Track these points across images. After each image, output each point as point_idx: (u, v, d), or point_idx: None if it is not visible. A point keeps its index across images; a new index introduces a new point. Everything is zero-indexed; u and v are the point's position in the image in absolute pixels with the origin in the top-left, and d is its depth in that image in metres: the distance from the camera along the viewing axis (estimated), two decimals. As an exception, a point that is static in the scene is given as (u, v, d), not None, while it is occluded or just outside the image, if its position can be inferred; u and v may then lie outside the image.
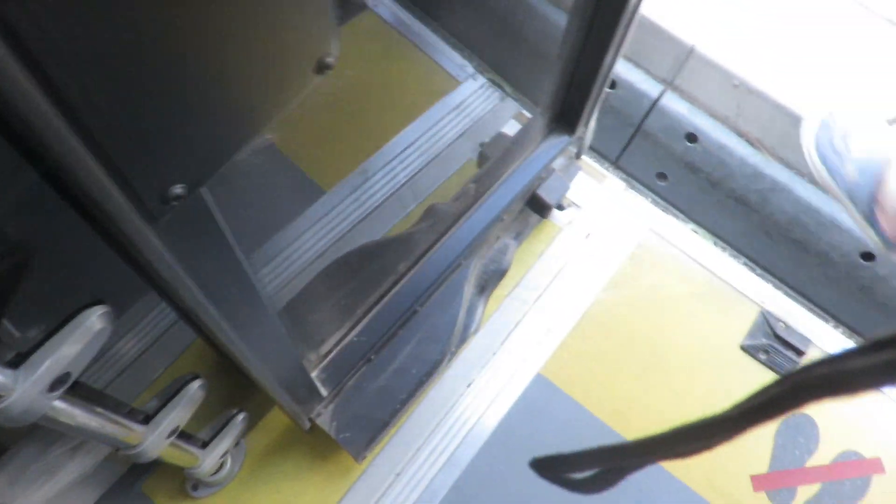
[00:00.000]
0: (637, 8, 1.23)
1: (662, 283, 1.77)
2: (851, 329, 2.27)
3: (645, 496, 1.57)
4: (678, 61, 2.15)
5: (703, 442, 0.52)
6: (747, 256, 2.39)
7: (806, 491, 1.63)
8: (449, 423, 1.58)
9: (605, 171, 1.88)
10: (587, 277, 1.76)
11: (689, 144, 2.25)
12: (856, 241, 2.12)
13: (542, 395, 1.63)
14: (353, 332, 1.46)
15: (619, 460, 0.64)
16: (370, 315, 1.46)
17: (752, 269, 2.40)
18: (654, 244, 1.81)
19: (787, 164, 2.15)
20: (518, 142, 1.60)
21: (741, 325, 1.76)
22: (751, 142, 2.15)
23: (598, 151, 2.49)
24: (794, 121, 2.06)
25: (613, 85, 2.29)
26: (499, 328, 1.68)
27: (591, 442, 1.58)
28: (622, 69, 2.26)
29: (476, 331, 1.68)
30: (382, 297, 1.47)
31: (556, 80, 1.48)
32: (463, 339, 1.65)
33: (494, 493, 1.52)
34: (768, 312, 1.76)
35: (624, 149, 2.40)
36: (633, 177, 2.48)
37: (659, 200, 2.45)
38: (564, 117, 1.61)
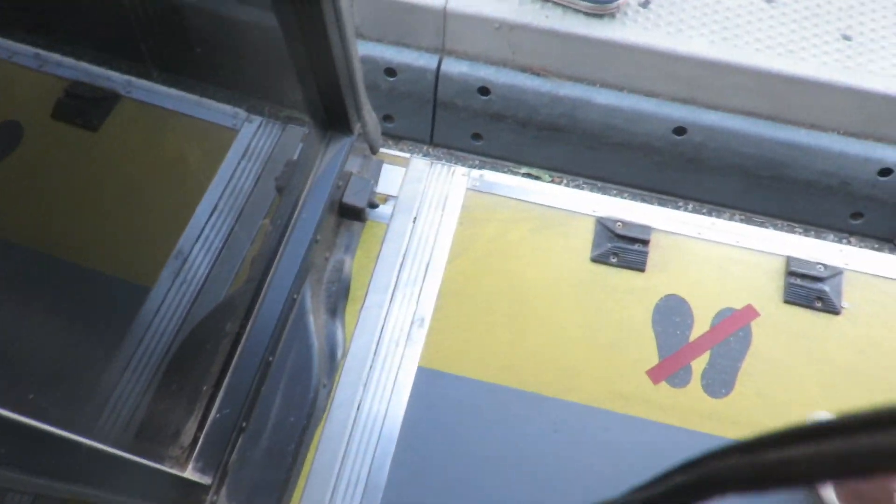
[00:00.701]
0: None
1: (499, 232, 1.79)
2: (693, 199, 2.37)
3: (560, 426, 1.58)
4: (439, 27, 2.18)
5: None
6: (584, 176, 2.46)
7: (700, 363, 1.68)
8: (353, 450, 1.55)
9: (406, 155, 1.89)
10: (429, 257, 1.76)
11: (484, 98, 2.29)
12: (666, 122, 2.20)
13: (430, 386, 1.62)
14: (213, 410, 1.40)
15: None
16: (223, 386, 1.41)
17: (591, 186, 2.47)
18: (479, 201, 1.83)
19: (577, 80, 2.22)
20: (302, 162, 1.58)
21: (584, 240, 1.79)
22: (536, 72, 2.21)
23: (411, 138, 2.50)
24: (564, 39, 2.13)
25: (393, 73, 2.31)
26: (366, 341, 1.66)
27: (492, 409, 1.57)
28: (394, 55, 2.28)
29: (345, 353, 1.65)
30: (227, 364, 1.42)
31: (306, 88, 1.47)
32: (333, 367, 1.61)
33: (422, 495, 1.50)
34: (604, 218, 1.80)
35: (432, 127, 2.42)
36: (454, 147, 2.51)
37: (487, 159, 2.49)
38: (336, 121, 1.60)
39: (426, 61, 2.27)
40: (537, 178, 2.46)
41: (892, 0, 2.18)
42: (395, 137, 2.49)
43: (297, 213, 1.54)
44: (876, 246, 2.41)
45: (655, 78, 2.19)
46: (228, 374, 1.42)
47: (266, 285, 1.49)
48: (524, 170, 2.47)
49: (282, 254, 1.52)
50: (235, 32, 2.14)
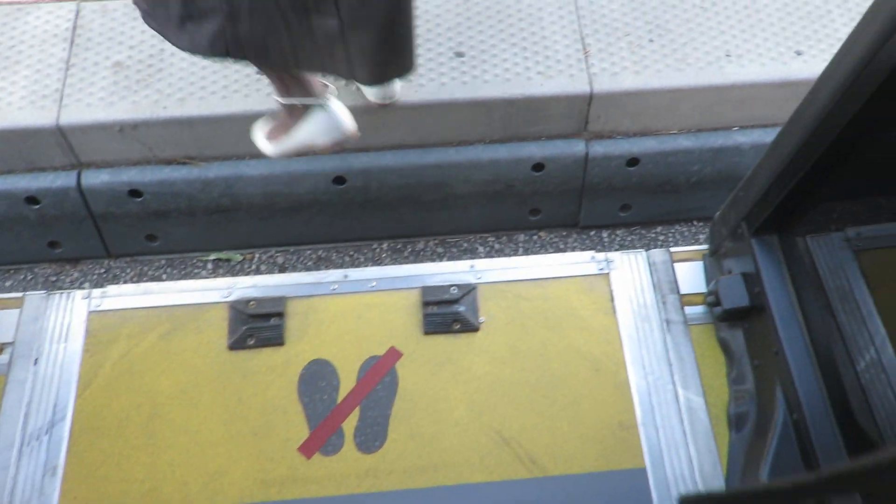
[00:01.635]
0: None
1: (127, 349, 1.71)
2: (381, 238, 2.38)
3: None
4: (63, 143, 2.10)
5: None
6: (272, 245, 2.43)
7: (351, 422, 1.66)
8: None
9: (18, 295, 1.78)
10: (55, 398, 1.66)
11: (138, 200, 2.22)
12: (323, 175, 2.20)
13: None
14: None
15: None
16: None
17: (285, 252, 2.44)
18: (104, 322, 1.75)
19: (224, 158, 2.19)
20: None
21: (220, 329, 1.74)
22: (182, 162, 2.16)
23: (86, 257, 2.40)
24: (189, 124, 2.09)
25: (35, 200, 2.20)
26: (-7, 511, 1.54)
27: None
28: (30, 182, 2.18)
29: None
30: None
31: None
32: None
33: None
34: (236, 302, 1.76)
35: (102, 241, 2.33)
36: (132, 253, 2.42)
37: (173, 256, 2.41)
38: None
39: (64, 181, 2.18)
40: (227, 260, 2.41)
41: (493, 10, 2.27)
42: (68, 260, 2.38)
43: None
44: (564, 233, 2.50)
45: (295, 137, 2.18)
46: None
47: None
48: (213, 256, 2.41)
49: None
50: None
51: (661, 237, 2.51)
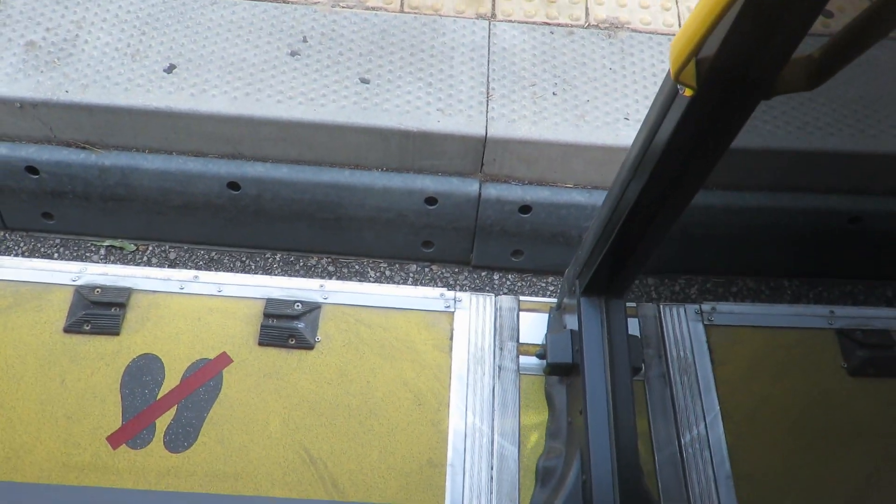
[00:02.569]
0: None
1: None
2: (271, 248, 2.42)
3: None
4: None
5: None
6: (165, 240, 2.47)
7: (165, 419, 1.68)
8: None
9: None
10: None
11: (35, 177, 2.26)
12: (217, 178, 2.25)
13: None
14: None
15: None
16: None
17: (178, 249, 2.47)
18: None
19: (121, 148, 2.24)
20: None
21: (60, 311, 1.77)
22: (81, 146, 2.20)
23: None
24: (93, 111, 2.13)
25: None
26: None
27: None
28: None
29: None
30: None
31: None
32: None
33: None
34: (82, 287, 1.79)
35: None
36: (28, 229, 2.46)
37: (69, 237, 2.45)
38: None
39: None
40: (121, 248, 2.44)
41: (406, 43, 2.33)
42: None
43: None
44: (456, 270, 2.53)
45: (194, 138, 2.23)
46: None
47: None
48: (107, 242, 2.45)
49: None
50: None
51: (553, 286, 2.53)
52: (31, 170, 2.25)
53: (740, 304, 1.99)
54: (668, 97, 1.16)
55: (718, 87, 1.04)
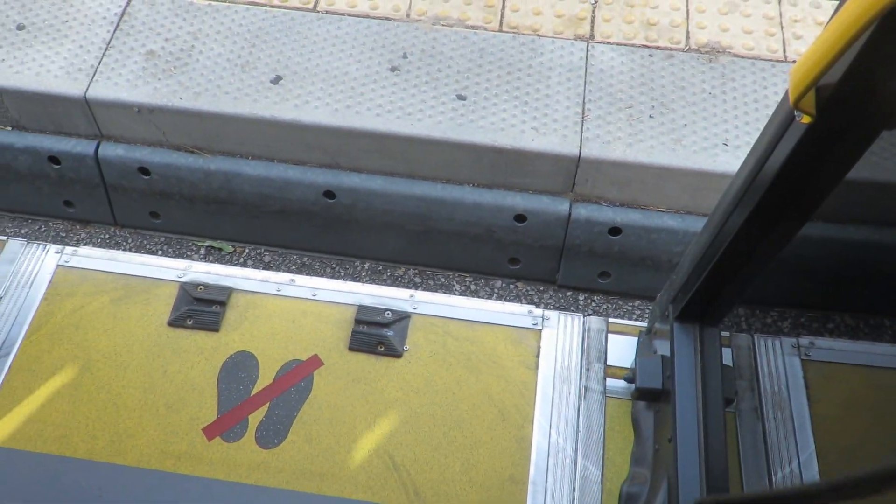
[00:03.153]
0: None
1: (80, 305, 1.85)
2: (360, 257, 2.48)
3: (106, 490, 1.61)
4: (87, 114, 2.31)
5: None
6: (262, 244, 2.57)
7: (257, 416, 1.74)
8: None
9: (1, 238, 1.97)
10: (5, 336, 1.81)
11: (146, 178, 2.40)
12: (314, 187, 2.33)
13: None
14: None
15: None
16: None
17: (272, 253, 2.56)
18: (67, 277, 1.90)
19: (227, 154, 2.34)
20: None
21: (166, 305, 1.87)
22: (190, 150, 2.32)
23: (96, 221, 2.59)
24: (203, 117, 2.26)
25: (57, 161, 2.40)
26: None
27: (38, 480, 1.59)
28: (54, 143, 2.39)
29: None
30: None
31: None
32: None
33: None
34: (187, 283, 1.88)
35: (111, 209, 2.52)
36: (137, 227, 2.60)
37: (172, 235, 2.58)
38: None
39: (84, 147, 2.38)
40: (219, 249, 2.55)
41: (504, 62, 2.36)
42: (79, 221, 2.58)
43: None
44: (541, 288, 2.52)
45: (295, 147, 2.32)
46: None
47: None
48: (207, 243, 2.56)
49: None
50: None
51: (639, 310, 2.49)
52: (144, 171, 2.38)
53: (839, 341, 1.91)
54: (782, 124, 1.14)
55: (840, 114, 1.02)
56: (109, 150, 2.38)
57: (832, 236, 2.20)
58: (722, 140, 2.22)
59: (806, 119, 1.03)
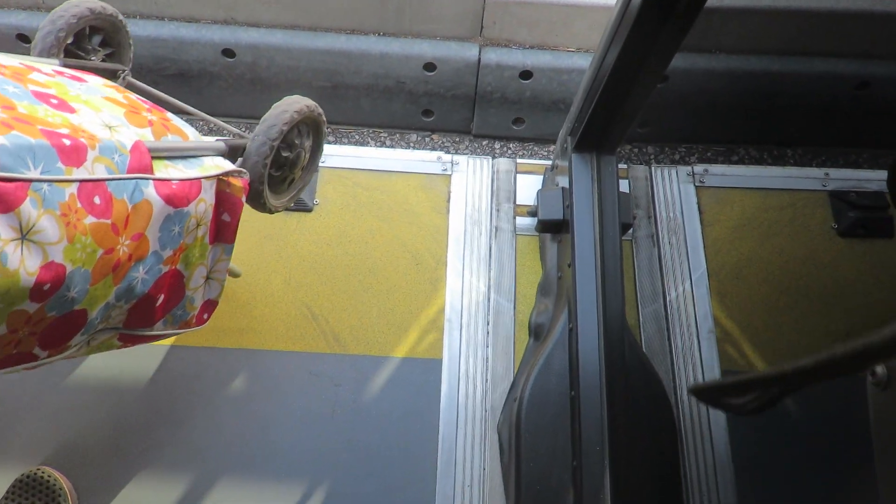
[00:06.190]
0: None
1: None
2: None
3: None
4: None
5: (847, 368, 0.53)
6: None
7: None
8: None
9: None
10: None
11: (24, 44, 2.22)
12: (212, 45, 2.21)
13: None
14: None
15: (776, 386, 0.63)
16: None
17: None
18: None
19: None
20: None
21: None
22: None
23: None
24: None
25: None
26: None
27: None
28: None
29: None
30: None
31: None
32: None
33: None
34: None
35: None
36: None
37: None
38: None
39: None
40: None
41: None
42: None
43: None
44: (457, 139, 2.52)
45: (186, 2, 2.18)
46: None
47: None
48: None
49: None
50: None
51: (553, 155, 2.53)
52: (23, 37, 2.21)
53: (732, 167, 1.99)
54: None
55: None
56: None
57: (732, 68, 2.23)
58: (628, -27, 2.18)
59: None
